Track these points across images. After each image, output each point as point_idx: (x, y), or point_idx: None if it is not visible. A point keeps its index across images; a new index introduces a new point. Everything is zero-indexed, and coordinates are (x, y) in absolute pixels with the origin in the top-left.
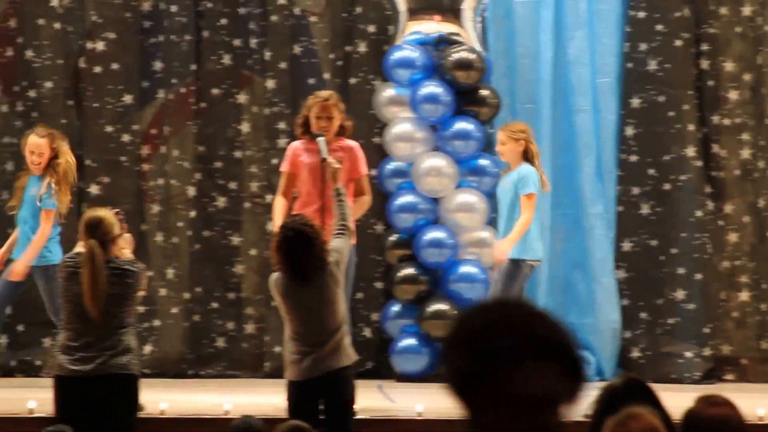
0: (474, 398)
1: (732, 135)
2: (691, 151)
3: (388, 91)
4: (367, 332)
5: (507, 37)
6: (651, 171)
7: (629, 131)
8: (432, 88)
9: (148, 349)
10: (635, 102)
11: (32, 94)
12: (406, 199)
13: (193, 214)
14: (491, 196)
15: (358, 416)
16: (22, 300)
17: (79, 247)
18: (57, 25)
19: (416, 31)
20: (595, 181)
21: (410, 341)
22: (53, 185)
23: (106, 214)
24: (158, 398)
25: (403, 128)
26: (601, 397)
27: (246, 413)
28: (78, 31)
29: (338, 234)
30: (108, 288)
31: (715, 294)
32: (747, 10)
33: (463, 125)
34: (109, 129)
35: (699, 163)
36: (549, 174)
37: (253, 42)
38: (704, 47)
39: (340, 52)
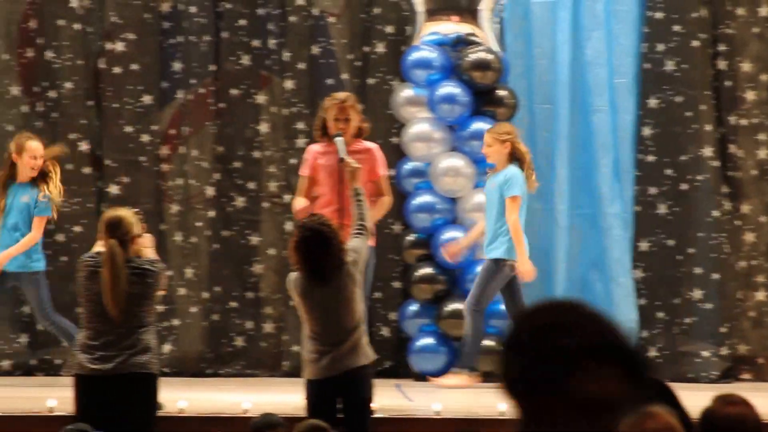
0: (532, 401)
1: (749, 135)
2: (708, 152)
3: (406, 92)
4: (385, 331)
5: (524, 38)
6: (668, 171)
7: (646, 131)
8: (450, 88)
9: (167, 348)
10: (652, 102)
11: (52, 94)
12: (423, 199)
13: (212, 213)
14: None
15: (376, 415)
16: None
17: (98, 246)
18: (77, 26)
19: (434, 31)
20: (612, 181)
21: (428, 340)
22: (50, 192)
23: (126, 213)
24: (177, 397)
25: (420, 128)
26: None
27: (264, 412)
28: (98, 32)
29: (356, 234)
30: (128, 287)
31: (732, 293)
32: (764, 11)
33: (480, 125)
34: (128, 129)
35: (716, 163)
36: (566, 174)
37: (272, 42)
38: (721, 48)
39: (359, 52)
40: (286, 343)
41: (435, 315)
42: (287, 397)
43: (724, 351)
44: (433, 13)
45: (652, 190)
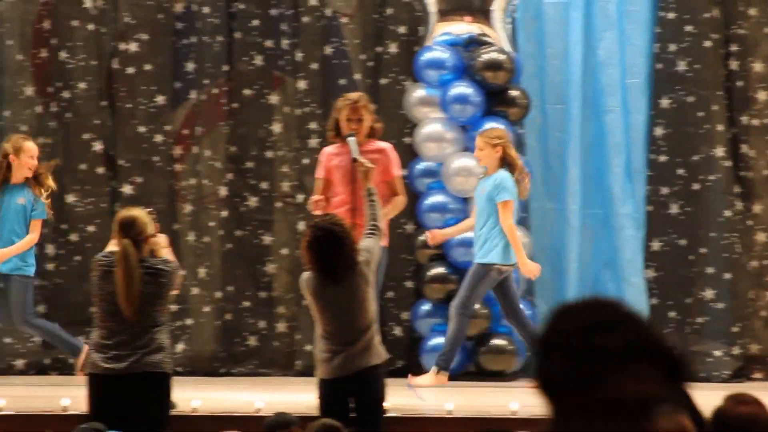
0: (569, 400)
1: (761, 135)
2: (720, 152)
3: (419, 92)
4: (398, 331)
5: (537, 38)
6: (680, 171)
7: (659, 131)
8: (462, 88)
9: (180, 347)
10: (665, 102)
11: (66, 95)
12: (436, 198)
13: (224, 213)
14: None
15: (389, 414)
16: (56, 299)
17: (112, 246)
18: (90, 27)
19: (446, 32)
20: (624, 181)
21: (440, 340)
22: (44, 194)
23: (140, 213)
24: (190, 396)
25: (433, 128)
26: None
27: (278, 411)
28: (111, 33)
29: (369, 234)
30: (141, 287)
31: (744, 293)
32: None
33: (493, 126)
34: (141, 129)
35: (728, 163)
36: (578, 174)
37: (285, 43)
38: (733, 48)
39: (371, 52)
40: (299, 342)
41: (447, 314)
42: (300, 396)
43: (736, 350)
44: (445, 14)
45: (664, 190)
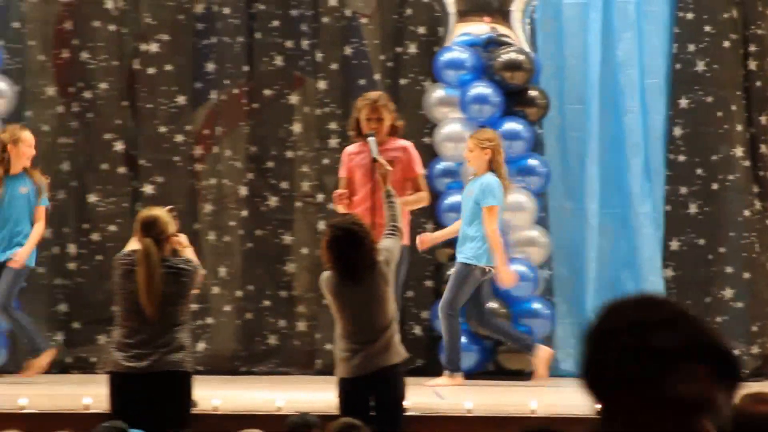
0: (619, 399)
1: None
2: (739, 151)
3: (438, 92)
4: (417, 330)
5: (556, 39)
6: (699, 171)
7: (677, 131)
8: (481, 88)
9: (201, 346)
10: (683, 102)
11: (87, 95)
12: (455, 198)
13: (245, 213)
14: (540, 195)
15: (408, 413)
16: (77, 299)
17: (133, 244)
18: (112, 27)
19: (466, 32)
20: (643, 180)
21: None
22: (45, 183)
23: (161, 213)
24: (211, 395)
25: (452, 128)
26: None
27: (298, 410)
28: (132, 33)
29: (389, 234)
30: (163, 286)
31: (763, 293)
32: None
33: (511, 126)
34: (162, 129)
35: (747, 163)
36: (597, 173)
37: (305, 43)
38: (752, 48)
39: (391, 53)
40: (319, 341)
41: (467, 314)
42: (320, 395)
43: (755, 350)
44: (464, 14)
45: (683, 190)
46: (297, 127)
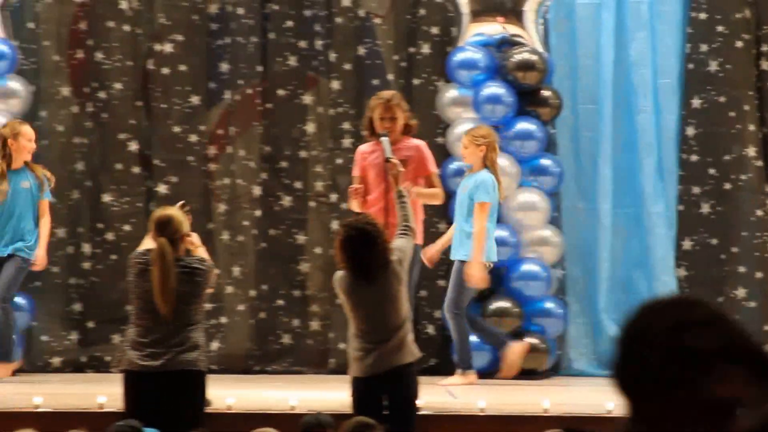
0: (652, 400)
1: None
2: (751, 151)
3: (451, 92)
4: (431, 329)
5: (569, 39)
6: (711, 171)
7: (690, 131)
8: (494, 88)
9: (215, 345)
10: (696, 102)
11: (102, 95)
12: None
13: (258, 213)
14: (553, 195)
15: (422, 412)
16: (92, 298)
17: (147, 240)
18: (126, 28)
19: (479, 32)
20: (656, 180)
21: (473, 338)
22: (48, 177)
23: (176, 212)
24: (225, 394)
25: (465, 128)
26: None
27: (311, 409)
28: (146, 34)
29: (402, 234)
30: (177, 286)
31: None
32: None
33: (525, 125)
34: (176, 129)
35: (759, 163)
36: (610, 173)
37: (319, 43)
38: (765, 48)
39: (404, 53)
40: (333, 340)
41: (480, 313)
42: (333, 394)
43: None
44: (478, 15)
45: (696, 190)
46: (310, 127)
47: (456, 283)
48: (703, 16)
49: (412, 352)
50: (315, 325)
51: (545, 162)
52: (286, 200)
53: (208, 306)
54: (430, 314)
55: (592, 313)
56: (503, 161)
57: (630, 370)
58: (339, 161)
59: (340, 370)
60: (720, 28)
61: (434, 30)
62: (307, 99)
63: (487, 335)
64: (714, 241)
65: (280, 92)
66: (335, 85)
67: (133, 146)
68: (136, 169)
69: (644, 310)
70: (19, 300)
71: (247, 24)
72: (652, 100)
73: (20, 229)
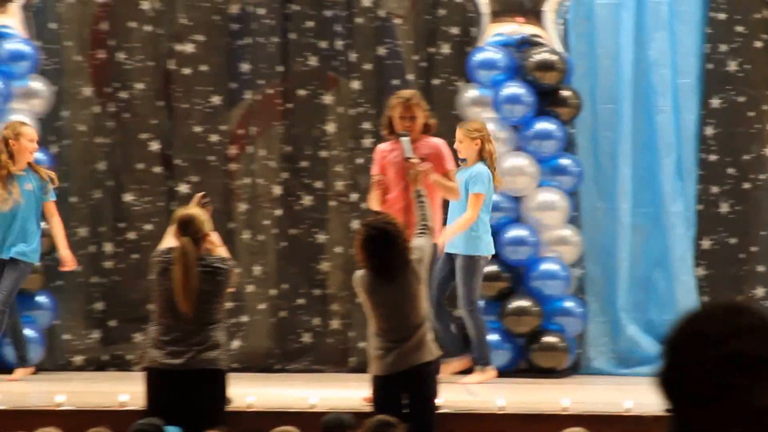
0: (700, 409)
1: None
2: None
3: (471, 92)
4: (451, 328)
5: (588, 39)
6: (730, 170)
7: (709, 131)
8: (514, 88)
9: (236, 344)
10: (715, 102)
11: (123, 95)
12: None
13: (279, 212)
14: (572, 194)
15: (441, 411)
16: (113, 297)
17: (168, 239)
18: (147, 28)
19: (499, 32)
20: (675, 180)
21: (493, 337)
22: (52, 177)
23: (198, 211)
24: (246, 392)
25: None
26: None
27: (331, 407)
28: (168, 34)
29: (420, 233)
30: (199, 285)
31: None
32: None
33: (544, 125)
34: (197, 129)
35: None
36: (629, 173)
37: (339, 44)
38: None
39: (424, 53)
40: (353, 339)
41: (499, 312)
42: (354, 392)
43: None
44: (497, 15)
45: (715, 189)
46: (331, 127)
47: (464, 280)
48: (722, 16)
49: (432, 350)
50: (335, 323)
51: (564, 162)
52: (307, 200)
53: (229, 305)
54: (451, 313)
55: (611, 312)
56: (522, 161)
57: (681, 376)
58: (359, 161)
59: (360, 368)
60: (739, 29)
61: (454, 30)
62: (328, 99)
63: (446, 339)
64: (733, 241)
65: (301, 92)
66: (355, 85)
67: (155, 146)
68: (158, 169)
69: (693, 317)
70: (41, 299)
71: (268, 24)
72: (671, 100)
73: (23, 231)
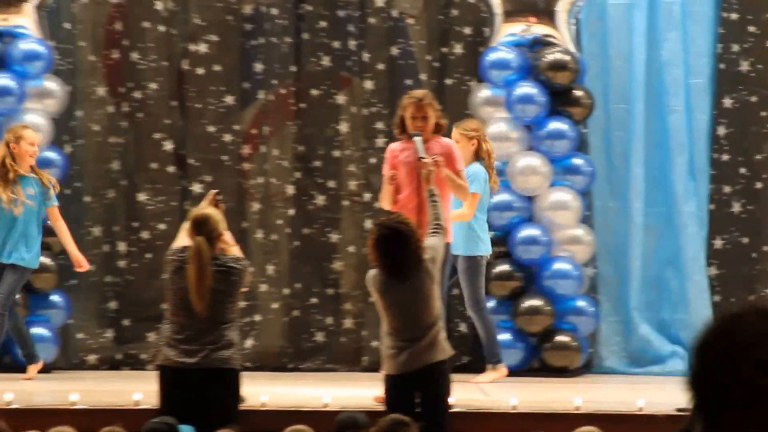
0: (730, 413)
1: None
2: None
3: (484, 92)
4: (463, 327)
5: (600, 39)
6: (742, 170)
7: (721, 131)
8: (527, 88)
9: (249, 343)
10: (727, 102)
11: (137, 95)
12: (501, 197)
13: (292, 212)
14: (585, 194)
15: (454, 410)
16: (127, 296)
17: (181, 238)
18: (161, 28)
19: (511, 32)
20: (687, 179)
21: (505, 336)
22: (53, 183)
23: (213, 211)
24: (259, 391)
25: (498, 128)
26: None
27: (344, 406)
28: (181, 34)
29: (433, 233)
30: (213, 284)
31: None
32: None
33: (557, 125)
34: (211, 129)
35: None
36: (642, 173)
37: (352, 44)
38: None
39: (437, 53)
40: (366, 338)
41: (512, 311)
42: (366, 391)
43: None
44: (510, 15)
45: (727, 189)
46: (344, 127)
47: (468, 281)
48: (734, 16)
49: (445, 350)
50: (348, 323)
51: (577, 161)
52: (320, 199)
53: (242, 304)
54: (462, 312)
55: (623, 311)
56: (535, 160)
57: (714, 380)
58: (372, 161)
59: (373, 367)
60: (751, 29)
61: (467, 30)
62: (341, 99)
63: None
64: (745, 240)
65: (314, 92)
66: (368, 85)
67: (168, 146)
68: (171, 169)
69: (724, 321)
70: (55, 298)
71: (281, 24)
72: (683, 100)
73: (25, 236)
